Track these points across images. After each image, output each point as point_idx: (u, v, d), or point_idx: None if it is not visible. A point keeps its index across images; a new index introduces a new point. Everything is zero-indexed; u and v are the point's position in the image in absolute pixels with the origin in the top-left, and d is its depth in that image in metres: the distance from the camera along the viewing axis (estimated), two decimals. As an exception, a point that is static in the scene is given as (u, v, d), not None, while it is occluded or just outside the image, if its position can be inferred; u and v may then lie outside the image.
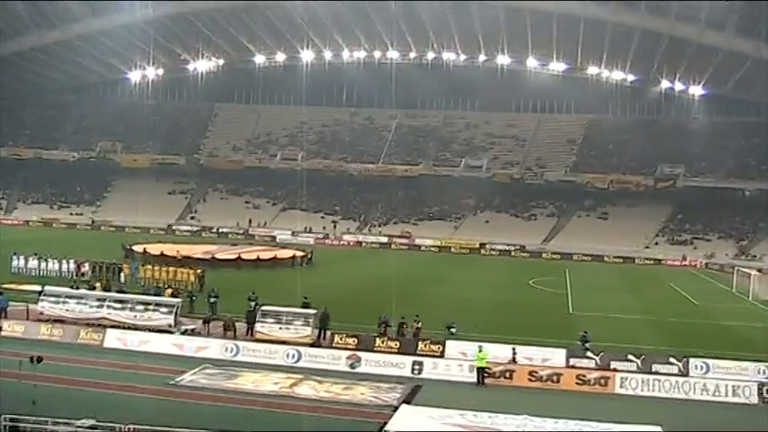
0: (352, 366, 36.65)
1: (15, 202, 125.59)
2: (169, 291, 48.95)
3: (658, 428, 28.48)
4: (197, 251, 75.47)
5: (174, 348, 38.59)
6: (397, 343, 39.75)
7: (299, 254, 79.79)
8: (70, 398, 30.00)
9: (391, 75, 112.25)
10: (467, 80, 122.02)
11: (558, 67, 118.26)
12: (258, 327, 41.25)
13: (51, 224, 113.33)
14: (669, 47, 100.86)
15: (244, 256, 75.58)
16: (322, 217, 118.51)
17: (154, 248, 74.61)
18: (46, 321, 41.92)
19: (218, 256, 74.66)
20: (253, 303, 44.82)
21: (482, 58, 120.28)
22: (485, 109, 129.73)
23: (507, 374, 35.77)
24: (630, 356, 37.64)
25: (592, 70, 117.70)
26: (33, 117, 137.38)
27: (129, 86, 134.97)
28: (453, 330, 41.75)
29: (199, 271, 57.95)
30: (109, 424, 24.26)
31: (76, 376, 33.02)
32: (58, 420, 24.31)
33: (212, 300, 47.00)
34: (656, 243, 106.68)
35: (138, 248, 74.23)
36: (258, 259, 74.92)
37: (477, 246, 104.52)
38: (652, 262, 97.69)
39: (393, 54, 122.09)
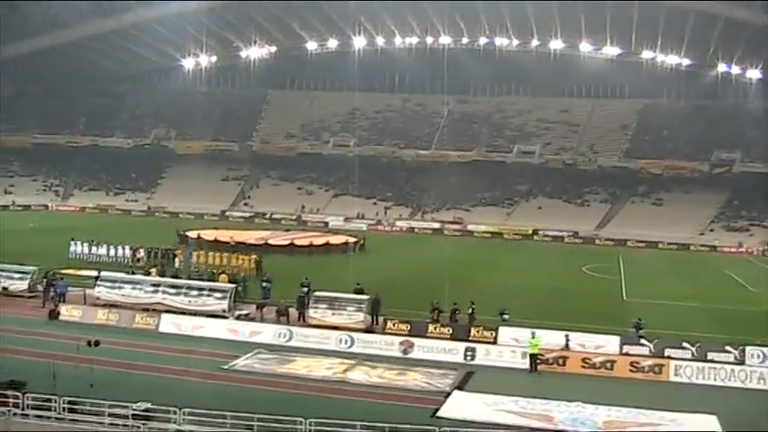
0: (404, 352, 36.65)
1: (72, 189, 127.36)
2: (223, 276, 49.37)
3: (713, 417, 28.17)
4: (250, 237, 75.96)
5: (228, 333, 38.92)
6: (450, 329, 39.69)
7: (352, 240, 79.91)
8: (126, 381, 30.40)
9: (443, 60, 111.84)
10: (519, 65, 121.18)
11: (611, 51, 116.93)
12: (311, 312, 41.43)
13: (107, 210, 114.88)
14: (725, 30, 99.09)
15: (296, 242, 75.87)
16: (374, 203, 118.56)
17: (208, 234, 75.30)
18: (103, 306, 42.55)
19: (271, 242, 75.05)
20: (305, 289, 45.01)
21: (535, 43, 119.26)
22: (537, 94, 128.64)
23: (560, 361, 35.54)
24: (685, 344, 37.15)
25: (646, 54, 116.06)
26: (89, 105, 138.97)
27: (183, 74, 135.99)
28: (506, 317, 41.56)
29: (255, 257, 58.30)
30: (163, 407, 24.57)
31: (132, 360, 33.48)
32: (114, 403, 24.63)
33: (265, 285, 47.32)
34: (712, 230, 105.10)
35: (192, 234, 74.92)
36: (311, 245, 75.16)
37: (530, 232, 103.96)
38: (707, 249, 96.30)
39: (445, 40, 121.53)
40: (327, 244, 77.39)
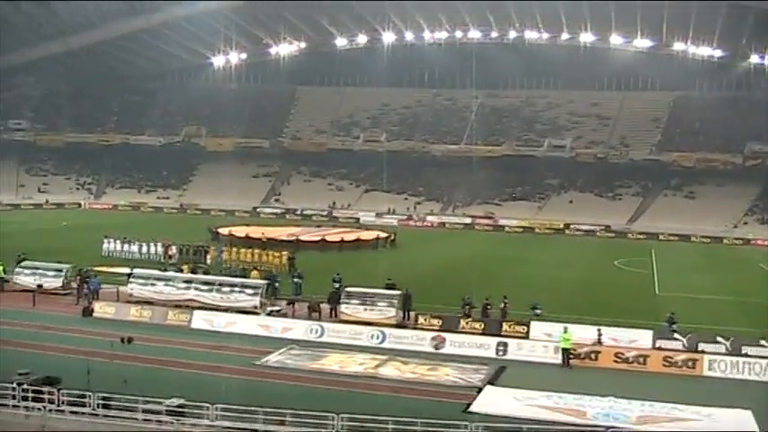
0: (436, 347, 36.61)
1: (104, 186, 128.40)
2: (255, 272, 49.56)
3: (748, 412, 27.89)
4: (281, 233, 76.11)
5: (260, 329, 39.04)
6: (482, 324, 39.58)
7: (383, 235, 79.92)
8: (159, 377, 30.62)
9: (473, 55, 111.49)
10: (549, 59, 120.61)
11: (642, 43, 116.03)
12: (343, 308, 41.52)
13: (139, 208, 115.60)
14: (757, 21, 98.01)
15: (327, 238, 76.01)
16: (405, 198, 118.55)
17: (239, 231, 75.50)
18: (135, 303, 42.86)
19: (302, 238, 75.15)
20: (337, 285, 45.12)
21: (565, 36, 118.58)
22: (568, 88, 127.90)
23: (593, 356, 35.34)
24: (719, 338, 36.80)
25: (677, 46, 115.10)
26: (120, 103, 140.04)
27: (213, 71, 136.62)
28: (538, 311, 41.42)
29: (287, 253, 58.37)
30: (196, 403, 24.70)
31: (165, 356, 33.72)
32: (148, 399, 24.80)
33: (296, 281, 47.32)
34: (745, 223, 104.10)
35: (223, 231, 75.19)
36: (342, 241, 75.22)
37: (561, 226, 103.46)
38: (741, 242, 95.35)
39: (475, 34, 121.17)
40: (358, 240, 77.45)
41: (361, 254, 70.21)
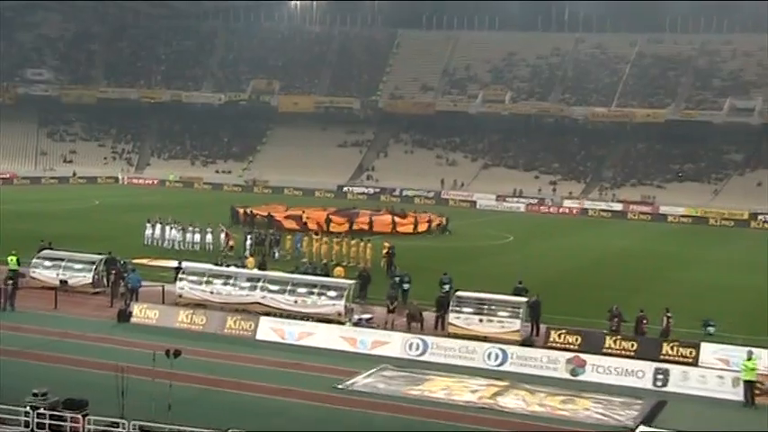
0: (573, 373, 36.33)
1: (148, 156, 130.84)
2: (339, 269, 49.79)
3: None
4: (378, 221, 76.19)
5: (345, 343, 39.21)
6: (634, 344, 39.09)
7: (438, 220, 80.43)
8: (213, 402, 31.03)
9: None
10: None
11: None
12: (452, 318, 41.38)
13: (192, 185, 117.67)
14: None
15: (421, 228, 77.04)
16: (536, 177, 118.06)
17: (317, 216, 75.97)
18: (185, 306, 43.44)
19: (401, 229, 75.60)
20: (446, 287, 45.08)
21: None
22: (760, 30, 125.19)
23: (786, 391, 34.73)
24: None
25: None
26: (169, 50, 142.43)
27: (289, 9, 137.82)
28: (711, 330, 40.80)
29: (387, 245, 58.36)
30: (260, 436, 24.99)
31: (221, 375, 34.11)
32: (198, 430, 25.08)
33: (404, 286, 46.97)
34: None
35: (261, 212, 75.75)
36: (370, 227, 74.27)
37: (746, 216, 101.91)
38: None
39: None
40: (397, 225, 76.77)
41: (476, 248, 70.14)
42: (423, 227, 78.49)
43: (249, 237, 60.58)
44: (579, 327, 40.70)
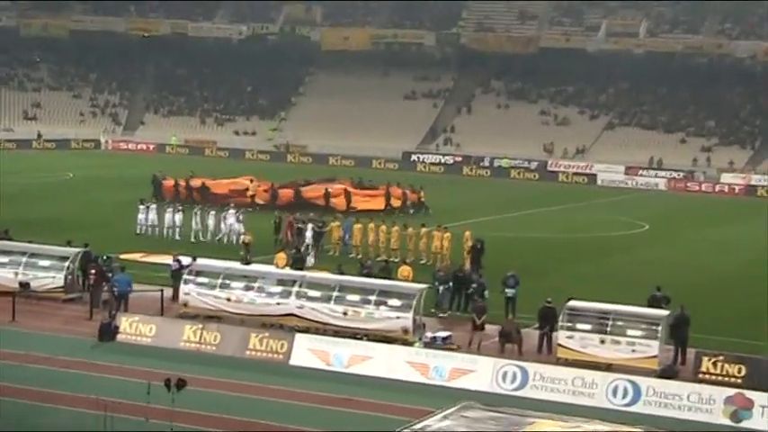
0: (734, 417, 35.73)
1: (142, 112, 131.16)
2: (405, 269, 49.47)
3: None
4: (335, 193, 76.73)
5: (413, 371, 38.88)
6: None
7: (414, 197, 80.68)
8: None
9: None
10: None
11: None
12: (562, 338, 40.89)
13: (203, 150, 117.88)
14: None
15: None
16: (682, 141, 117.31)
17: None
18: (192, 318, 43.23)
19: (362, 205, 76.12)
20: (510, 291, 45.44)
21: None
22: None
23: None
24: None
25: None
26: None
27: None
28: None
29: (468, 235, 58.04)
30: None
31: (241, 414, 33.83)
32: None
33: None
34: None
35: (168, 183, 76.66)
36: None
37: None
38: None
39: None
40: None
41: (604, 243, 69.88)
42: (396, 202, 79.16)
43: (310, 227, 60.36)
44: (743, 352, 40.03)
